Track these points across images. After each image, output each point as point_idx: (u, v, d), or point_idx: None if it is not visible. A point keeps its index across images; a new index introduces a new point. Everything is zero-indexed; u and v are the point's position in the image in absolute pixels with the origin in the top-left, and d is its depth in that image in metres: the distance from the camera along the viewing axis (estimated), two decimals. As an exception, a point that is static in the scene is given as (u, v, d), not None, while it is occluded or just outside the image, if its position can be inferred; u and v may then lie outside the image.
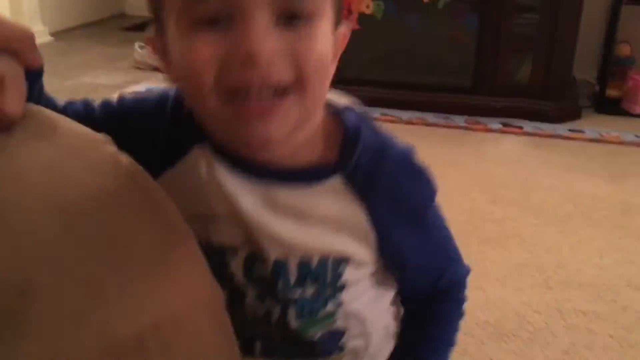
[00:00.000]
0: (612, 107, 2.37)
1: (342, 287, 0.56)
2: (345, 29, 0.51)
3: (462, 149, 2.04)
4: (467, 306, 0.63)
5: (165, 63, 0.49)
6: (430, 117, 2.27)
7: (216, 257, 0.53)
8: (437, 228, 0.60)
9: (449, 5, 2.25)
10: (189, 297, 0.40)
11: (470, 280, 0.63)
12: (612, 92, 2.39)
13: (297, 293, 0.55)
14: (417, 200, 0.56)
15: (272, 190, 0.52)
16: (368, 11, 2.32)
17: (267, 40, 0.43)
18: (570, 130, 2.20)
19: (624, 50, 2.43)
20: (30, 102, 0.43)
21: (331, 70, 0.49)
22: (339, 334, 0.58)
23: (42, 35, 3.23)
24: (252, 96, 0.44)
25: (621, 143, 2.11)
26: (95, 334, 0.34)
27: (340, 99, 0.56)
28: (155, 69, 2.50)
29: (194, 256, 0.43)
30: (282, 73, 0.44)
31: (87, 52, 3.20)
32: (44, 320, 0.33)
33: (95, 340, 0.34)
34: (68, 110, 0.55)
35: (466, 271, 0.63)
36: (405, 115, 2.27)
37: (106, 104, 0.57)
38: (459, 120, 2.24)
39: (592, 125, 2.24)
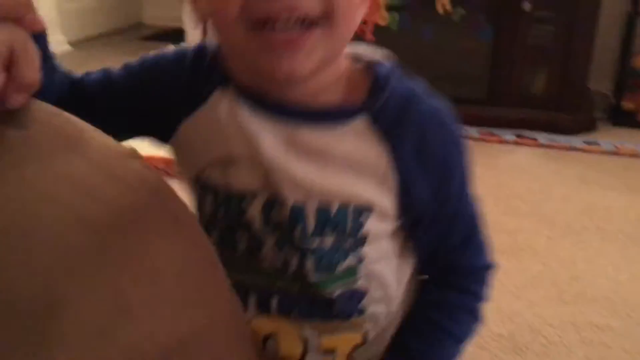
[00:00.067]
0: (627, 120, 2.36)
1: (363, 240, 0.54)
2: None
3: (476, 160, 2.02)
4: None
5: None
6: (444, 128, 2.26)
7: (235, 203, 0.53)
8: (462, 202, 0.58)
9: (464, 17, 2.25)
10: (212, 312, 0.41)
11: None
12: (627, 104, 2.37)
13: (315, 242, 0.54)
14: (444, 158, 0.54)
15: (293, 131, 0.51)
16: (383, 23, 2.33)
17: None
18: (585, 142, 2.19)
19: (640, 62, 2.42)
20: (44, 66, 0.42)
21: (360, 11, 0.49)
22: (360, 295, 0.57)
23: (61, 45, 3.27)
24: (278, 27, 0.44)
25: (637, 156, 2.09)
26: (121, 350, 0.34)
27: (376, 53, 0.55)
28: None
29: (215, 271, 0.44)
30: (309, 4, 0.44)
31: (105, 61, 3.20)
32: (71, 335, 0.34)
33: (121, 355, 0.34)
34: (85, 80, 0.57)
35: (485, 264, 0.61)
36: (420, 126, 2.27)
37: (127, 65, 0.59)
38: (473, 131, 2.24)
39: (608, 137, 2.23)
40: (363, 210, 0.53)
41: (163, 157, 1.71)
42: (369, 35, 2.16)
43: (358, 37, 0.52)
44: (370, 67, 0.54)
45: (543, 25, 2.30)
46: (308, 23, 0.45)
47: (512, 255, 1.44)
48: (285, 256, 0.55)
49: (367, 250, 0.55)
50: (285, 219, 0.53)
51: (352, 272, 0.56)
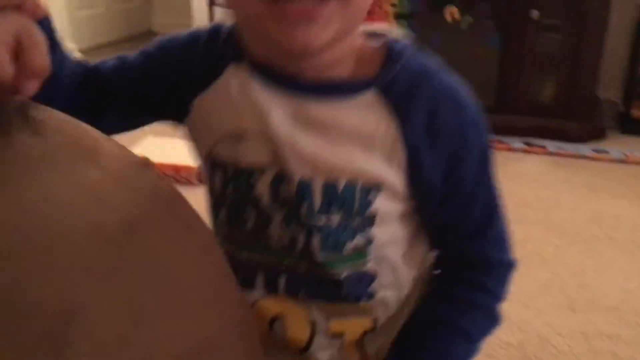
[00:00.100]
0: (636, 128, 2.35)
1: (371, 220, 0.54)
2: None
3: (485, 168, 2.02)
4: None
5: None
6: (452, 135, 2.26)
7: (244, 179, 0.53)
8: (479, 185, 0.56)
9: (472, 25, 2.26)
10: (225, 321, 0.41)
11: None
12: (636, 112, 2.37)
13: (322, 220, 0.53)
14: (458, 135, 0.53)
15: (303, 104, 0.51)
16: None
17: None
18: (594, 150, 2.18)
19: (649, 70, 2.41)
20: (51, 51, 0.41)
21: None
22: (369, 278, 0.56)
23: (71, 52, 3.30)
24: None
25: (646, 164, 2.09)
26: (135, 357, 0.35)
27: (393, 31, 0.56)
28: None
29: (227, 279, 0.45)
30: None
31: (114, 68, 3.25)
32: (87, 343, 0.34)
33: (136, 362, 0.35)
34: (101, 67, 0.58)
35: (503, 260, 0.60)
36: (428, 133, 2.27)
37: (142, 50, 0.59)
38: (482, 139, 2.24)
39: (617, 145, 2.22)
40: (371, 188, 0.53)
41: (172, 164, 1.73)
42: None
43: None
44: (385, 43, 0.54)
45: (551, 33, 2.30)
46: None
47: (520, 263, 1.42)
48: (292, 233, 0.55)
49: (377, 231, 0.54)
50: (292, 195, 0.53)
51: (361, 253, 0.55)
